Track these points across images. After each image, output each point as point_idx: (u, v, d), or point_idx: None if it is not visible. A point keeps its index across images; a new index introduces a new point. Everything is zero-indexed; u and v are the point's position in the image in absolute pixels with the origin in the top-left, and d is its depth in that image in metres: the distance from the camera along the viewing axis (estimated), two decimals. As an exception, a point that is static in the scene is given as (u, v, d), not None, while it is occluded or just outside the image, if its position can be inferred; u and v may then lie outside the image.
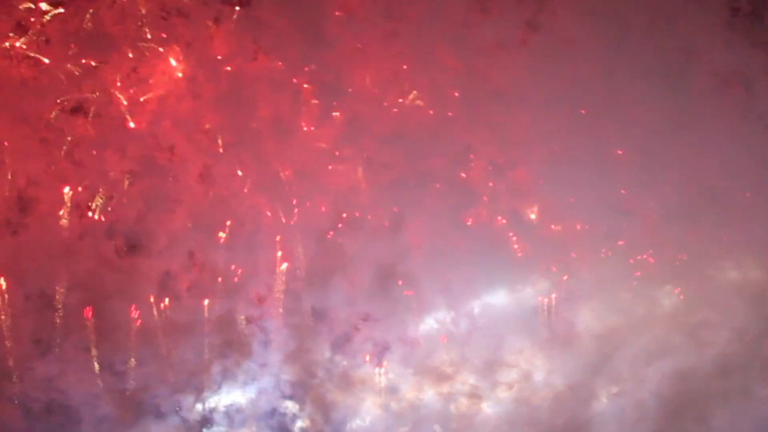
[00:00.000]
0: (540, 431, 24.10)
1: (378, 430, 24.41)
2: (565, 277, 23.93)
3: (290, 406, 24.37)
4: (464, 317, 24.12)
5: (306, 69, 23.72)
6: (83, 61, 24.04)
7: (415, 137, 23.60)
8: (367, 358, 24.32)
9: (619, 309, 23.64)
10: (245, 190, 23.92)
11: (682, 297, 23.67)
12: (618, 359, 23.91)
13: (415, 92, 23.87)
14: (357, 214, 23.79)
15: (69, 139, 24.05)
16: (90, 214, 24.03)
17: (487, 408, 24.32)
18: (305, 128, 23.97)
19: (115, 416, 23.75)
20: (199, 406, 23.96)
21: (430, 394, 24.36)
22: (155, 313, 23.58)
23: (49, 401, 23.59)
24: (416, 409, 24.41)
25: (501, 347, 24.19)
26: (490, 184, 23.92)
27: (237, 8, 24.19)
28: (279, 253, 23.80)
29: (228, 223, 23.84)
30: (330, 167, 23.86)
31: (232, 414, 24.15)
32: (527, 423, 24.01)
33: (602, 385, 24.15)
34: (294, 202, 23.80)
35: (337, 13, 23.67)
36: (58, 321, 23.82)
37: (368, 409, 24.44)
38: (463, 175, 23.92)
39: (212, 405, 24.03)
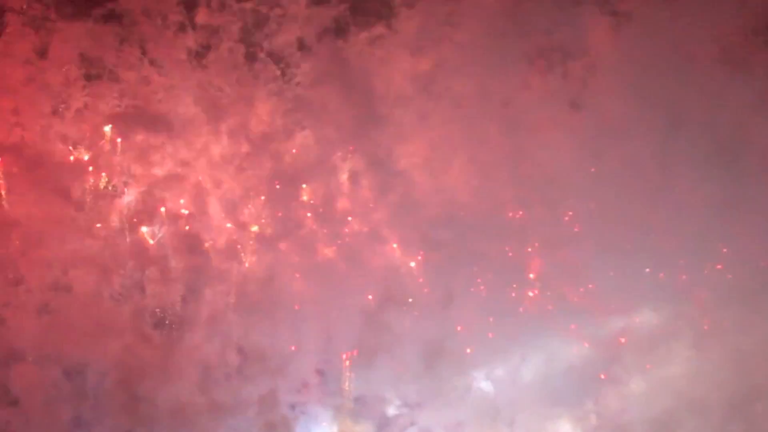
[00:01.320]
0: None
1: None
2: (616, 362, 23.19)
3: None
4: (511, 401, 23.28)
5: (352, 148, 23.57)
6: (119, 139, 23.98)
7: (466, 216, 23.19)
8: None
9: (674, 394, 22.77)
10: (289, 272, 23.47)
11: (740, 383, 22.75)
12: (672, 447, 23.04)
13: (463, 170, 23.59)
14: (404, 294, 23.22)
15: (106, 218, 23.87)
16: (128, 293, 23.64)
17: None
18: (352, 208, 23.68)
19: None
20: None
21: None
22: (195, 393, 22.88)
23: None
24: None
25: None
26: (540, 264, 23.39)
27: (280, 86, 24.12)
28: (323, 335, 23.27)
29: (270, 304, 23.35)
30: (377, 247, 23.45)
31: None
32: None
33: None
34: (339, 283, 23.30)
35: (382, 91, 23.47)
36: (94, 403, 23.16)
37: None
38: (512, 255, 23.47)
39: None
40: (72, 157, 24.09)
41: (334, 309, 23.14)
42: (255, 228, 23.93)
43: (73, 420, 22.92)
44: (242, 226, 23.87)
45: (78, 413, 22.97)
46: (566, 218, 23.65)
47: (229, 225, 23.96)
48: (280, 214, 23.83)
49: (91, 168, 23.99)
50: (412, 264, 23.61)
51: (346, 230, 23.87)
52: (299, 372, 23.24)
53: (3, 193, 23.39)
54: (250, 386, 22.94)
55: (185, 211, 23.90)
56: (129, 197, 23.95)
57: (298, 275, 23.40)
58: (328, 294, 23.21)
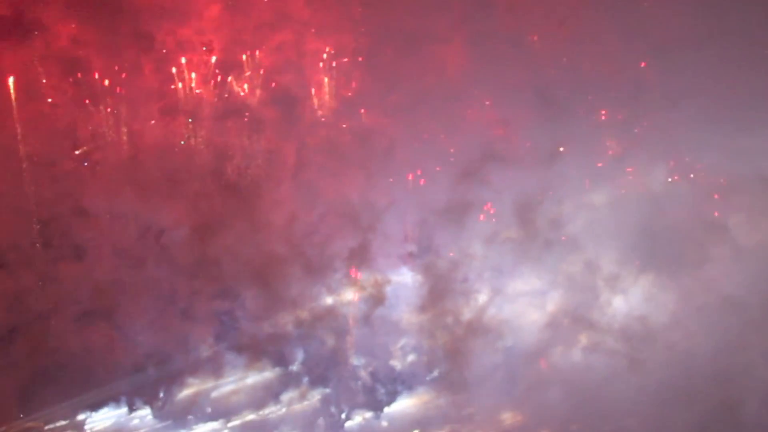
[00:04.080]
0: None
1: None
2: (722, 233, 21.84)
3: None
4: (611, 268, 22.02)
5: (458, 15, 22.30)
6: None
7: (571, 78, 21.99)
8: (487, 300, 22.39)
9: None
10: (383, 128, 22.33)
11: None
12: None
13: (570, 34, 22.37)
14: (506, 150, 21.98)
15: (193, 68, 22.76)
16: (210, 145, 22.70)
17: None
18: (452, 69, 22.40)
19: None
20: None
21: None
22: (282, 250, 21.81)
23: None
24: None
25: (644, 300, 22.14)
26: (644, 128, 22.26)
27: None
28: (417, 191, 22.37)
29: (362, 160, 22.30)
30: (477, 106, 22.39)
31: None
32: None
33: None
34: (436, 140, 22.42)
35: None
36: (169, 261, 22.06)
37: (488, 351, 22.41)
38: (616, 116, 22.37)
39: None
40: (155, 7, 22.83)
41: (431, 165, 22.28)
42: (347, 87, 22.92)
43: (147, 279, 21.94)
44: (337, 85, 22.84)
45: (152, 272, 21.99)
46: (673, 84, 22.08)
47: (326, 80, 22.85)
48: (378, 74, 22.57)
49: (175, 18, 22.68)
50: (513, 121, 22.30)
51: (446, 91, 22.40)
52: (390, 229, 22.13)
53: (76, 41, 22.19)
54: (338, 243, 21.90)
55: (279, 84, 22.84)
56: (217, 49, 22.76)
57: (393, 132, 22.21)
58: (424, 151, 22.29)
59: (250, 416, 22.54)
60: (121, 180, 21.91)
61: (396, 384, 22.71)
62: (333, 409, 22.52)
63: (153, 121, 22.51)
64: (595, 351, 21.97)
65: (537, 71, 21.99)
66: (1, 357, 21.34)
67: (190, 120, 22.56)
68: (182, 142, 22.64)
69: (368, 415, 22.70)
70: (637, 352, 21.84)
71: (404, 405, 22.91)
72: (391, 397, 22.72)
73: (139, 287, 21.93)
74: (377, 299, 22.10)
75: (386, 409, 22.79)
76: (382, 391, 22.69)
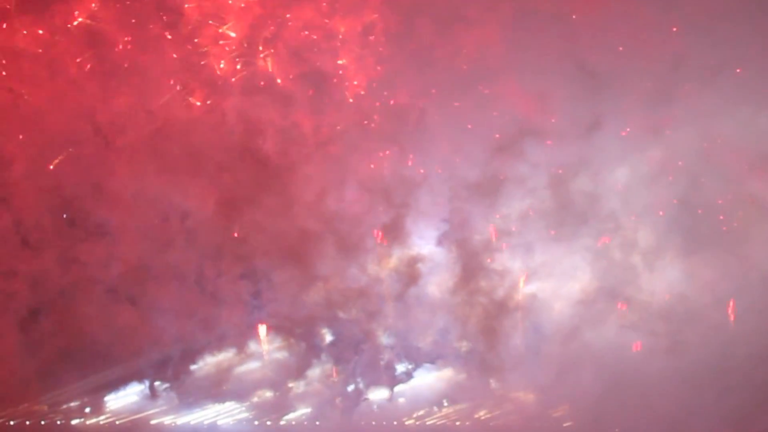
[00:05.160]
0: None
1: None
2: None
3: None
4: (647, 244, 21.67)
5: None
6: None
7: (614, 45, 21.43)
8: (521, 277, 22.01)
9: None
10: (416, 97, 21.90)
11: None
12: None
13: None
14: (539, 124, 21.51)
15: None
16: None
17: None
18: (487, 38, 21.72)
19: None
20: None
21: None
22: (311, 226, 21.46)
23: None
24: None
25: (682, 278, 21.65)
26: (690, 93, 21.49)
27: None
28: (451, 164, 21.78)
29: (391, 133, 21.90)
30: (516, 76, 21.54)
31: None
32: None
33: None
34: (471, 112, 21.74)
35: None
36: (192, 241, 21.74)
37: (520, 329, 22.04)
38: (660, 84, 21.59)
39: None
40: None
41: (465, 139, 21.67)
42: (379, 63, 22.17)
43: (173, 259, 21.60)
44: (368, 61, 22.14)
45: (178, 251, 21.64)
46: (713, 56, 21.43)
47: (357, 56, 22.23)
48: (413, 49, 21.94)
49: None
50: (549, 95, 21.60)
51: (481, 65, 21.80)
52: (423, 204, 21.72)
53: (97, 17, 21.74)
54: (371, 219, 21.54)
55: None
56: (244, 24, 22.20)
57: (425, 100, 21.78)
58: (459, 125, 21.77)
59: (268, 394, 22.39)
60: (146, 158, 21.48)
61: (421, 362, 22.44)
62: (351, 388, 22.25)
63: (178, 98, 21.96)
64: (631, 330, 21.57)
65: (573, 45, 21.34)
66: (24, 336, 21.08)
67: (216, 96, 22.04)
68: (208, 119, 22.07)
69: (386, 393, 22.45)
70: (674, 332, 21.43)
71: (425, 381, 22.70)
72: (410, 376, 22.48)
73: (164, 267, 21.58)
74: (410, 277, 21.67)
75: (405, 386, 22.55)
76: (403, 369, 22.39)
